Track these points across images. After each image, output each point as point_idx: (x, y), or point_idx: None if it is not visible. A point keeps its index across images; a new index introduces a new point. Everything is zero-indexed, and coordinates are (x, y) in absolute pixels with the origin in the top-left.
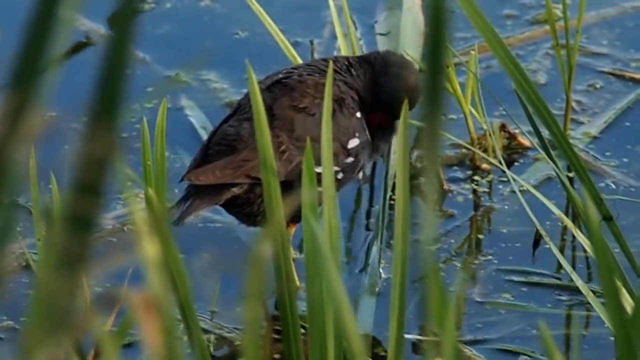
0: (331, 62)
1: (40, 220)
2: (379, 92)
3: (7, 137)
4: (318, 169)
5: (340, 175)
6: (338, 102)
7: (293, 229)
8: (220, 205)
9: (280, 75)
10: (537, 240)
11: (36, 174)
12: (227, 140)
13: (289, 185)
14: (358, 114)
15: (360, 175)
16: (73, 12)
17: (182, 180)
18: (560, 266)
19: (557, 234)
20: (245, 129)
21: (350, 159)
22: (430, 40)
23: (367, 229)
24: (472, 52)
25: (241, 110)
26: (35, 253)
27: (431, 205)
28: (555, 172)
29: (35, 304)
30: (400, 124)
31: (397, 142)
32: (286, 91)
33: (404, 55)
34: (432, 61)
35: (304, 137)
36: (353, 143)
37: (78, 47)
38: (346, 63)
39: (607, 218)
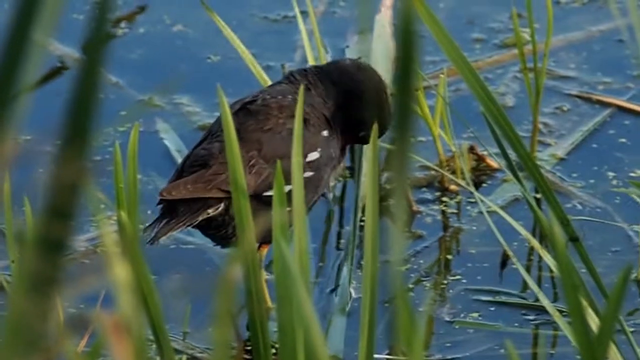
0: (302, 87)
1: (14, 243)
2: (348, 115)
3: None
4: (287, 187)
5: None
6: (303, 121)
7: (265, 250)
8: (195, 227)
9: (247, 100)
10: (505, 261)
11: (10, 197)
12: (200, 161)
13: (259, 200)
14: (325, 132)
15: (327, 192)
16: (46, 36)
17: (158, 203)
18: (527, 286)
19: (524, 254)
20: (216, 147)
21: (309, 173)
22: (400, 64)
23: (338, 249)
24: (441, 75)
25: (212, 135)
26: (9, 275)
27: (400, 226)
28: (523, 193)
29: (8, 326)
30: (369, 146)
31: (366, 164)
32: (251, 115)
33: (359, 65)
34: (402, 85)
35: (272, 154)
36: (312, 157)
37: (53, 73)
38: (307, 82)
39: (574, 239)
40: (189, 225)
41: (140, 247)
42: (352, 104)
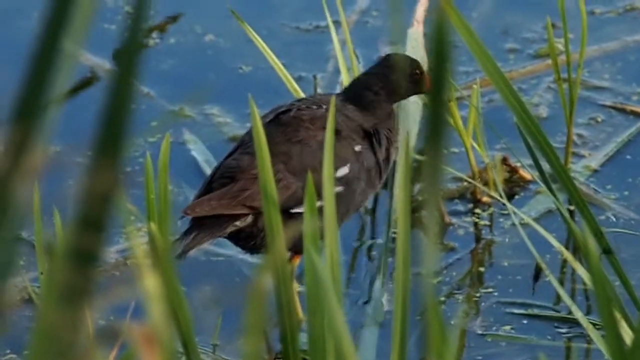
0: (333, 97)
1: (43, 254)
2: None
3: (10, 172)
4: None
5: None
6: (335, 132)
7: (297, 261)
8: (226, 238)
9: (283, 109)
10: (537, 273)
11: (40, 208)
12: (229, 173)
13: (288, 214)
14: (357, 147)
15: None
16: (77, 46)
17: (181, 217)
18: (559, 299)
19: (557, 267)
20: (245, 160)
21: (339, 188)
22: (433, 74)
23: (370, 260)
24: (474, 86)
25: (244, 145)
26: (38, 287)
27: (433, 238)
28: (556, 205)
29: (38, 338)
30: (401, 157)
31: (399, 176)
32: (280, 128)
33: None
34: (435, 95)
35: (300, 166)
36: (342, 172)
37: (84, 83)
38: (351, 97)
39: (607, 251)
40: (217, 238)
41: (171, 259)
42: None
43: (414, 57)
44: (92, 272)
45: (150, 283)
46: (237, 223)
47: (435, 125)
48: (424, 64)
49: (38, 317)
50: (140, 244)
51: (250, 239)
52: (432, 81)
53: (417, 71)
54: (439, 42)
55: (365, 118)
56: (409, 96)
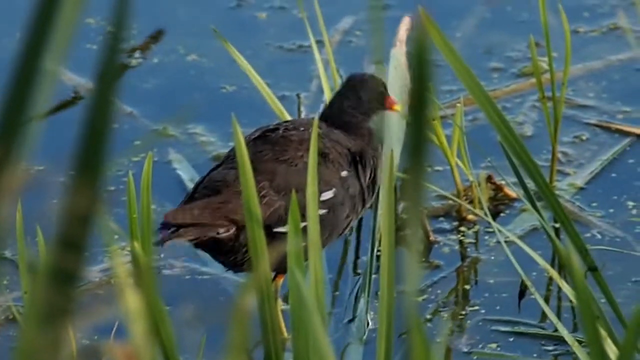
0: (316, 119)
1: (27, 273)
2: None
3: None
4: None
5: None
6: (322, 155)
7: (281, 280)
8: (205, 251)
9: (268, 128)
10: (523, 291)
11: (22, 227)
12: (214, 185)
13: (271, 233)
14: (344, 173)
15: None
16: (58, 66)
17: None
18: (545, 316)
19: (543, 284)
20: (231, 175)
21: (322, 211)
22: (415, 93)
23: (355, 279)
24: (458, 105)
25: (229, 160)
26: (21, 306)
27: (416, 256)
28: (541, 223)
29: (21, 358)
30: (385, 176)
31: (382, 194)
32: (268, 145)
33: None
34: (416, 114)
35: (285, 185)
36: (326, 196)
37: (66, 103)
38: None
39: (593, 268)
40: (197, 239)
41: (154, 277)
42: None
43: (392, 86)
44: (73, 291)
45: (133, 302)
46: (220, 230)
47: (417, 144)
48: (407, 83)
49: (21, 337)
50: (123, 263)
51: (232, 254)
52: (413, 100)
53: (384, 88)
54: (420, 61)
55: (352, 140)
56: (375, 114)
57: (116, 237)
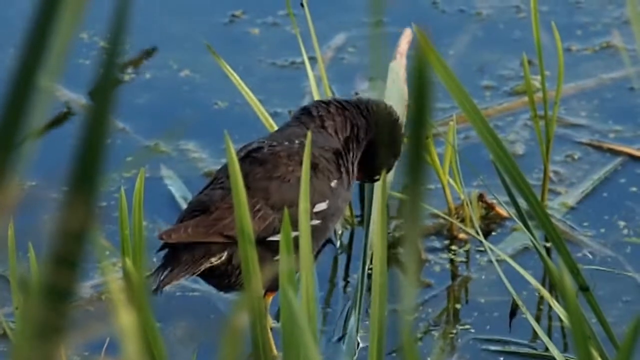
0: (309, 133)
1: (18, 289)
2: (371, 155)
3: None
4: (294, 233)
5: None
6: (312, 167)
7: (270, 298)
8: (198, 276)
9: (253, 146)
10: (514, 310)
11: (14, 243)
12: (202, 206)
13: (263, 245)
14: (333, 183)
15: (333, 239)
16: (53, 82)
17: (160, 248)
18: (536, 336)
19: (533, 304)
20: (217, 195)
21: (315, 222)
22: (413, 113)
23: (345, 297)
24: (451, 123)
25: (216, 182)
26: (13, 322)
27: (412, 275)
28: (532, 242)
29: None
30: (378, 193)
31: (375, 212)
32: (259, 164)
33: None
34: (414, 134)
35: (280, 202)
36: (320, 207)
37: (59, 118)
38: (319, 121)
39: (584, 288)
40: (191, 275)
41: (146, 294)
42: (371, 143)
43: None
44: (66, 308)
45: (126, 318)
46: (213, 260)
47: (415, 163)
48: (405, 97)
49: (13, 353)
50: (115, 279)
51: (225, 277)
52: (412, 119)
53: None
54: (419, 82)
55: (334, 140)
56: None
57: (107, 253)
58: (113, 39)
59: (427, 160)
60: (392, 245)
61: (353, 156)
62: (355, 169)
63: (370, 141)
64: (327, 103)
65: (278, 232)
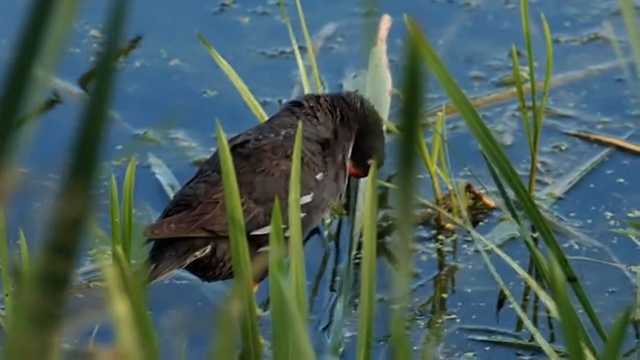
0: (300, 123)
1: (10, 277)
2: (362, 149)
3: None
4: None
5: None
6: None
7: (256, 287)
8: (184, 268)
9: (240, 140)
10: (501, 300)
11: (4, 230)
12: (185, 201)
13: (248, 239)
14: (319, 175)
15: (321, 229)
16: (48, 72)
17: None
18: (521, 326)
19: (519, 294)
20: (201, 188)
21: (301, 214)
22: (405, 104)
23: (332, 287)
24: (439, 113)
25: (201, 175)
26: (2, 309)
27: (404, 264)
28: (520, 232)
29: None
30: (368, 183)
31: (364, 202)
32: (242, 159)
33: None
34: (407, 124)
35: (264, 195)
36: (304, 200)
37: (47, 106)
38: (310, 111)
39: (572, 279)
40: (177, 269)
41: (140, 282)
42: (358, 138)
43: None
44: (63, 296)
45: (120, 306)
46: (197, 253)
47: (407, 153)
48: (387, 83)
49: (8, 342)
50: (109, 266)
51: (209, 269)
52: (404, 110)
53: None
54: (412, 73)
55: (323, 130)
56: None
57: (97, 240)
58: (111, 28)
59: (418, 150)
60: (380, 234)
61: (345, 147)
62: (348, 161)
63: (359, 134)
64: (317, 96)
65: (262, 226)
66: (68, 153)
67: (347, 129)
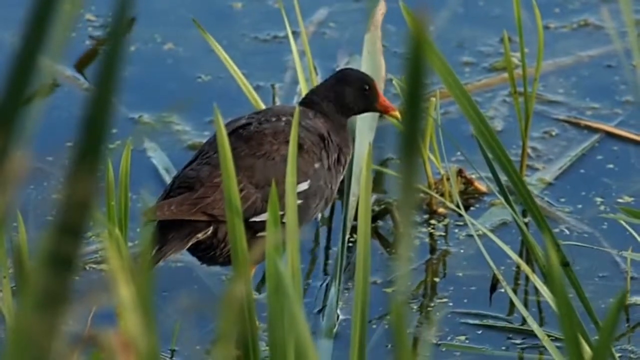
0: (297, 109)
1: (13, 259)
2: (344, 106)
3: None
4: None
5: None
6: (298, 146)
7: (253, 271)
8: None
9: (242, 122)
10: (495, 285)
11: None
12: (187, 183)
13: (247, 223)
14: (317, 164)
15: (316, 217)
16: (57, 57)
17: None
18: (513, 310)
19: (510, 279)
20: (204, 171)
21: (298, 201)
22: (409, 89)
23: (325, 270)
24: (433, 98)
25: (202, 155)
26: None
27: (405, 247)
28: (513, 217)
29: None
30: (362, 166)
31: (359, 186)
32: (243, 141)
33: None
34: (410, 110)
35: (264, 179)
36: (301, 187)
37: (43, 90)
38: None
39: (564, 264)
40: (180, 251)
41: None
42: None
43: (366, 72)
44: (69, 277)
45: (124, 290)
46: (199, 235)
47: (410, 138)
48: (381, 69)
49: (12, 323)
50: (113, 250)
51: (210, 250)
52: (408, 96)
53: (367, 86)
54: (415, 58)
55: (324, 125)
56: (359, 112)
57: (93, 223)
58: (117, 15)
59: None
60: (373, 218)
61: (342, 137)
62: (346, 150)
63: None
64: (312, 92)
65: (260, 213)
66: (74, 137)
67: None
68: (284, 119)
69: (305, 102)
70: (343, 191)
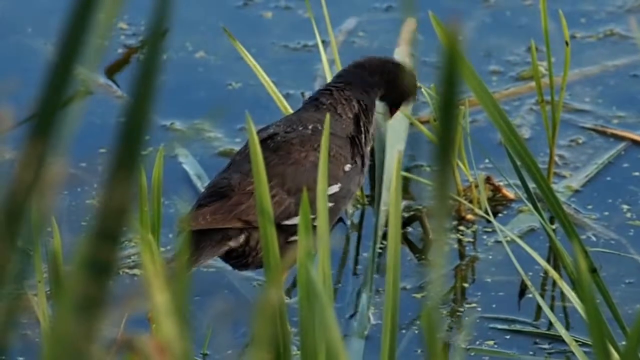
0: (328, 115)
1: (40, 262)
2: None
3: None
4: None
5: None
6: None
7: (285, 276)
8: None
9: (268, 132)
10: (523, 290)
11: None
12: (220, 191)
13: (279, 228)
14: (347, 167)
15: (344, 217)
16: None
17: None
18: (540, 315)
19: (537, 284)
20: (236, 179)
21: (328, 204)
22: (443, 100)
23: (355, 275)
24: (462, 106)
25: (234, 165)
26: (35, 294)
27: (439, 253)
28: (541, 223)
29: (52, 348)
30: (393, 172)
31: (388, 192)
32: (272, 152)
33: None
34: (445, 117)
35: (295, 186)
36: (332, 190)
37: (75, 96)
38: (331, 107)
39: (592, 270)
40: (212, 259)
41: (184, 272)
42: (388, 86)
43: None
44: (107, 283)
45: (160, 296)
46: (231, 243)
47: (444, 145)
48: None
49: (53, 328)
50: (147, 255)
51: (242, 258)
52: (442, 106)
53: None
54: (450, 67)
55: (344, 125)
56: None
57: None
58: (155, 25)
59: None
60: (402, 224)
61: (365, 136)
62: (368, 150)
63: (387, 84)
64: (330, 90)
65: (293, 216)
66: (108, 144)
67: (364, 112)
68: (310, 126)
69: (321, 105)
70: (374, 198)
